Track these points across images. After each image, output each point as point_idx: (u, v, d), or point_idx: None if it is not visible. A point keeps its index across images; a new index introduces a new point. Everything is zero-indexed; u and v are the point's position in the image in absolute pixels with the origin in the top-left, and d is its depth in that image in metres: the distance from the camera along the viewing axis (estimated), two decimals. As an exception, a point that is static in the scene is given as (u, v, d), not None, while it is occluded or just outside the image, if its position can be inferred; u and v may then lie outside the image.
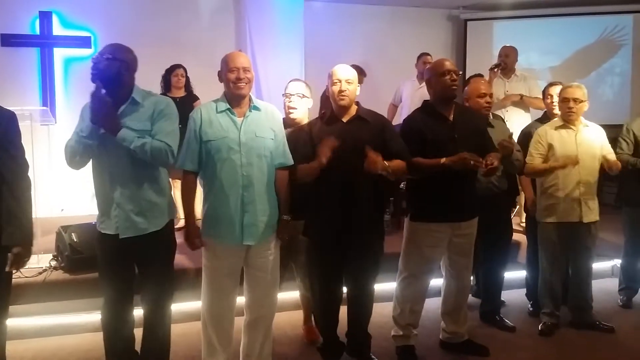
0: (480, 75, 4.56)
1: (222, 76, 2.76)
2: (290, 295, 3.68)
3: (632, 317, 3.94)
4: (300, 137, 2.97)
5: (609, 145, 3.72)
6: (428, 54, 5.69)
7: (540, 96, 4.32)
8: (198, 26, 6.54)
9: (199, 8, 6.61)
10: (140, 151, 2.49)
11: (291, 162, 2.86)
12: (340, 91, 2.89)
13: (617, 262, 4.40)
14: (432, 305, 3.49)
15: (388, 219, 5.15)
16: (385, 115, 5.92)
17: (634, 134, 3.93)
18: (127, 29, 5.81)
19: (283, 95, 3.30)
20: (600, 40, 7.30)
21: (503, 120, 4.11)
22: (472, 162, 2.87)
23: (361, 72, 5.27)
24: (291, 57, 6.46)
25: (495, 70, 5.17)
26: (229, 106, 2.73)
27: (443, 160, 2.92)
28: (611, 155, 3.66)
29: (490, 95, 3.58)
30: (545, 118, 3.94)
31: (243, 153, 2.69)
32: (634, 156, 3.88)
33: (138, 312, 2.79)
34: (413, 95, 5.50)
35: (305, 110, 3.29)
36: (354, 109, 2.98)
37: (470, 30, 7.52)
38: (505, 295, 4.08)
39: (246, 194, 2.70)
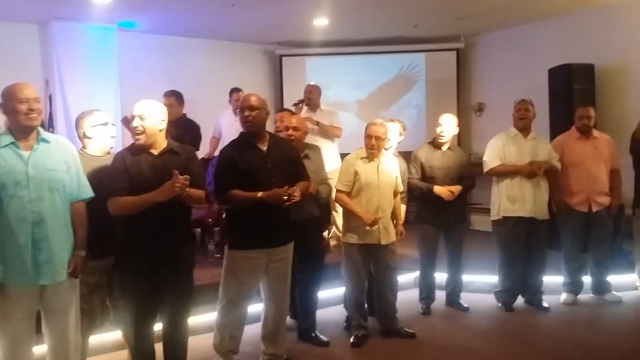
0: (287, 110, 4.91)
1: (6, 108, 2.62)
2: (112, 335, 3.57)
3: (431, 322, 4.43)
4: (116, 168, 2.94)
5: (401, 178, 4.11)
6: (239, 90, 5.92)
7: (340, 126, 4.75)
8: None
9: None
10: None
11: (89, 195, 2.81)
12: (134, 127, 2.93)
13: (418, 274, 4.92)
14: (253, 330, 3.61)
15: (213, 248, 5.23)
16: (209, 147, 6.11)
17: (420, 161, 4.49)
18: None
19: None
20: (399, 76, 8.18)
21: (319, 151, 4.42)
22: (284, 197, 3.09)
23: (178, 97, 5.34)
24: (105, 87, 6.33)
25: (300, 105, 5.59)
26: (13, 139, 2.61)
27: (260, 194, 3.11)
28: (400, 188, 4.07)
29: (294, 128, 3.84)
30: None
31: (32, 188, 2.58)
32: (422, 180, 4.43)
33: None
34: (230, 127, 5.66)
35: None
36: (163, 142, 3.03)
37: (285, 65, 7.96)
38: (327, 311, 4.36)
39: (37, 230, 2.59)
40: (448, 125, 4.49)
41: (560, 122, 6.21)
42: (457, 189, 4.36)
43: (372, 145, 3.85)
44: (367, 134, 3.89)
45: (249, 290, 3.34)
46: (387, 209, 3.94)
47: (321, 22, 6.80)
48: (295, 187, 3.18)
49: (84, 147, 3.16)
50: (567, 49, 6.63)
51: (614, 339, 4.02)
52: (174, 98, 5.30)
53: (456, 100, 8.07)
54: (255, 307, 3.60)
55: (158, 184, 2.85)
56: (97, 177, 2.94)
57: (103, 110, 3.31)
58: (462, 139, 7.97)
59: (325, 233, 5.09)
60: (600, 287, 4.86)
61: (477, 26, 7.49)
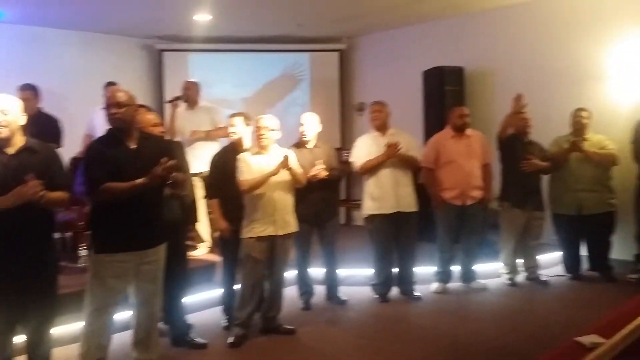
0: (145, 106, 4.70)
1: None
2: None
3: (310, 317, 4.52)
4: None
5: (297, 163, 4.15)
6: (115, 84, 5.62)
7: (222, 123, 4.69)
8: None
9: None
10: None
11: None
12: None
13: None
14: (123, 337, 3.47)
15: (84, 253, 4.95)
16: (82, 145, 5.76)
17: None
18: None
19: None
20: (283, 74, 8.23)
21: (182, 146, 4.36)
22: (163, 173, 2.97)
23: (34, 91, 5.00)
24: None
25: (176, 102, 5.44)
26: None
27: (139, 180, 2.97)
28: (298, 169, 4.10)
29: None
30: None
31: None
32: None
33: None
34: (104, 124, 5.35)
35: None
36: (20, 140, 2.82)
37: (166, 60, 7.72)
38: (204, 314, 4.30)
39: None
40: (310, 124, 4.59)
41: (433, 121, 6.58)
42: (323, 170, 4.35)
43: (261, 135, 3.94)
44: (256, 127, 3.98)
45: (117, 295, 3.19)
46: (282, 200, 3.97)
47: (203, 17, 6.67)
48: (172, 161, 3.02)
49: None
50: (440, 53, 7.03)
51: (479, 324, 4.31)
52: (30, 92, 4.96)
53: (339, 100, 8.28)
54: (126, 313, 3.45)
55: (15, 186, 2.65)
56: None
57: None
58: (344, 137, 8.22)
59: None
60: (468, 276, 5.21)
61: (358, 28, 7.73)
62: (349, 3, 6.38)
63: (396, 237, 4.81)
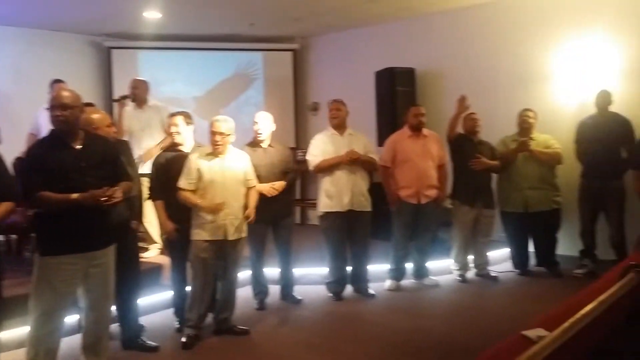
0: (91, 104, 4.58)
1: None
2: None
3: (264, 317, 4.50)
4: None
5: (252, 171, 4.14)
6: (61, 82, 5.46)
7: None
8: None
9: None
10: None
11: None
12: None
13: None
14: (73, 341, 3.39)
15: (29, 256, 4.79)
16: (25, 145, 5.55)
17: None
18: None
19: None
20: (237, 74, 8.17)
21: (129, 145, 4.29)
22: (102, 199, 2.92)
23: None
24: None
25: (124, 101, 5.32)
26: None
27: (74, 196, 2.89)
28: (252, 182, 4.10)
29: (114, 124, 3.71)
30: (174, 145, 4.24)
31: None
32: None
33: None
34: (49, 123, 5.20)
35: None
36: None
37: (115, 58, 7.54)
38: (154, 316, 4.23)
39: None
40: (264, 123, 4.58)
41: (385, 121, 6.67)
42: (280, 184, 4.46)
43: (216, 141, 3.85)
44: (211, 131, 3.88)
45: (65, 299, 3.09)
46: (234, 204, 3.92)
47: (153, 14, 6.54)
48: (116, 188, 3.02)
49: None
50: (391, 54, 7.12)
51: (431, 321, 4.39)
52: None
53: (293, 100, 8.28)
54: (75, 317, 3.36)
55: None
56: None
57: None
58: (299, 136, 8.22)
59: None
60: (420, 273, 5.30)
61: (311, 28, 7.74)
62: (301, 3, 6.38)
63: (350, 236, 4.84)
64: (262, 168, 4.47)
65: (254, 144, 4.59)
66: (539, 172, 5.36)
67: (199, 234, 3.88)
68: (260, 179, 4.42)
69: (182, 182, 3.88)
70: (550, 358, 1.60)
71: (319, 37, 8.19)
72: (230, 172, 3.93)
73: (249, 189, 4.07)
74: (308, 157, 4.89)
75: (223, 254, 3.95)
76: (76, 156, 3.03)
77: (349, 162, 4.71)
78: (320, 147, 4.83)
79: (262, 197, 4.39)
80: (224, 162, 3.92)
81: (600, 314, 2.02)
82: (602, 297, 2.11)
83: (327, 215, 4.82)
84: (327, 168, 4.77)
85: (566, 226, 5.54)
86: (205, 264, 3.90)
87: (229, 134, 3.92)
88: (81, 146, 3.07)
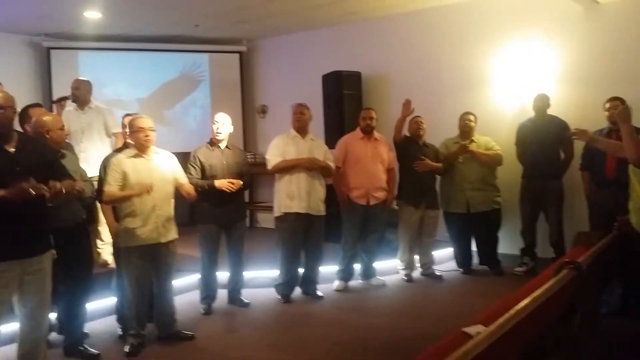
0: (39, 105, 4.45)
1: None
2: None
3: (211, 322, 4.45)
4: None
5: (182, 170, 4.12)
6: (-1, 83, 5.25)
7: (116, 129, 4.51)
8: None
9: None
10: None
11: None
12: None
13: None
14: (8, 350, 3.27)
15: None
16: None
17: (199, 160, 4.48)
18: None
19: None
20: (182, 75, 8.04)
21: (72, 148, 4.19)
22: (34, 192, 2.78)
23: None
24: None
25: (62, 103, 5.16)
26: None
27: (1, 193, 2.77)
28: (183, 180, 4.06)
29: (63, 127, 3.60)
30: (125, 147, 4.14)
31: None
32: (202, 179, 4.42)
33: None
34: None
35: None
36: None
37: (54, 59, 7.30)
38: (96, 324, 4.12)
39: None
40: (223, 124, 4.57)
41: (333, 123, 6.72)
42: (237, 182, 4.43)
43: (146, 137, 3.75)
44: (136, 129, 3.77)
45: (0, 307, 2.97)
46: (164, 205, 3.84)
47: (93, 14, 6.37)
48: (55, 182, 2.88)
49: None
50: (338, 57, 7.18)
51: (378, 319, 4.44)
52: None
53: (241, 102, 8.23)
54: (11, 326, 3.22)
55: None
56: None
57: None
58: (247, 139, 8.18)
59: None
60: (368, 273, 5.36)
61: (258, 31, 7.71)
62: (246, 6, 6.35)
63: (305, 240, 4.86)
64: (218, 168, 4.46)
65: (212, 143, 4.59)
66: (480, 174, 5.52)
67: (129, 240, 3.76)
68: (216, 179, 4.42)
69: (107, 185, 3.74)
70: (486, 352, 1.65)
71: (267, 39, 8.17)
72: (157, 173, 3.83)
73: (181, 185, 3.99)
74: (267, 156, 4.88)
75: (156, 258, 3.86)
76: (10, 159, 2.90)
77: (308, 167, 4.74)
78: (281, 148, 4.83)
79: (216, 200, 4.38)
80: (150, 162, 3.83)
81: (535, 309, 2.10)
82: (536, 293, 2.20)
83: (285, 217, 4.80)
84: (286, 169, 4.78)
85: (507, 225, 5.73)
86: (137, 271, 3.78)
87: (154, 130, 3.84)
88: (15, 149, 2.95)
